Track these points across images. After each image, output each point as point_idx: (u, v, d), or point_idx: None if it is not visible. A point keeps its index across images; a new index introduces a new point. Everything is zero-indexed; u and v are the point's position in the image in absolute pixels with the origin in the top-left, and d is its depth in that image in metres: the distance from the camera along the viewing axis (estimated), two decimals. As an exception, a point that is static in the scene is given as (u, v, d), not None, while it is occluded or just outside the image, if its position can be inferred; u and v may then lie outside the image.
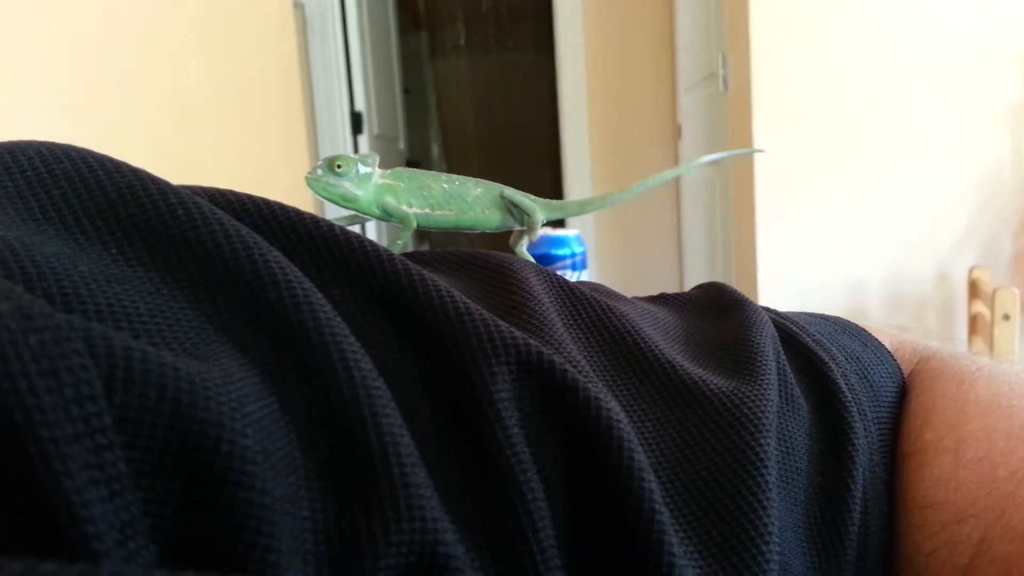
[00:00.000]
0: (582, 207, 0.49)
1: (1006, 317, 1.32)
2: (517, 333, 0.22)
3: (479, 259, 0.31)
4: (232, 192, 0.26)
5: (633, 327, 0.28)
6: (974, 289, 1.54)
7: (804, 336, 0.31)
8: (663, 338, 0.29)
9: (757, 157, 1.70)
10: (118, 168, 0.23)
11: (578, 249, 0.81)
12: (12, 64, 0.97)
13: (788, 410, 0.26)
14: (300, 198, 2.31)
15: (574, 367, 0.23)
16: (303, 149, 2.35)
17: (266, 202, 0.26)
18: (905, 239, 1.73)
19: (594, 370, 0.25)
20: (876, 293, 1.75)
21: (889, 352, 0.33)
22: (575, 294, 0.29)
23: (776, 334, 0.30)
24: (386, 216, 0.45)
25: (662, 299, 0.35)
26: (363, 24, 2.63)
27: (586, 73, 2.68)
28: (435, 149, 4.53)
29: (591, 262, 2.02)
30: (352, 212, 0.45)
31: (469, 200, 0.45)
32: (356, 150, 2.60)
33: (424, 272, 0.24)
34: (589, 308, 0.29)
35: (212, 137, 1.61)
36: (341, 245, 0.24)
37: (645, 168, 2.73)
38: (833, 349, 0.31)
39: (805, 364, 0.29)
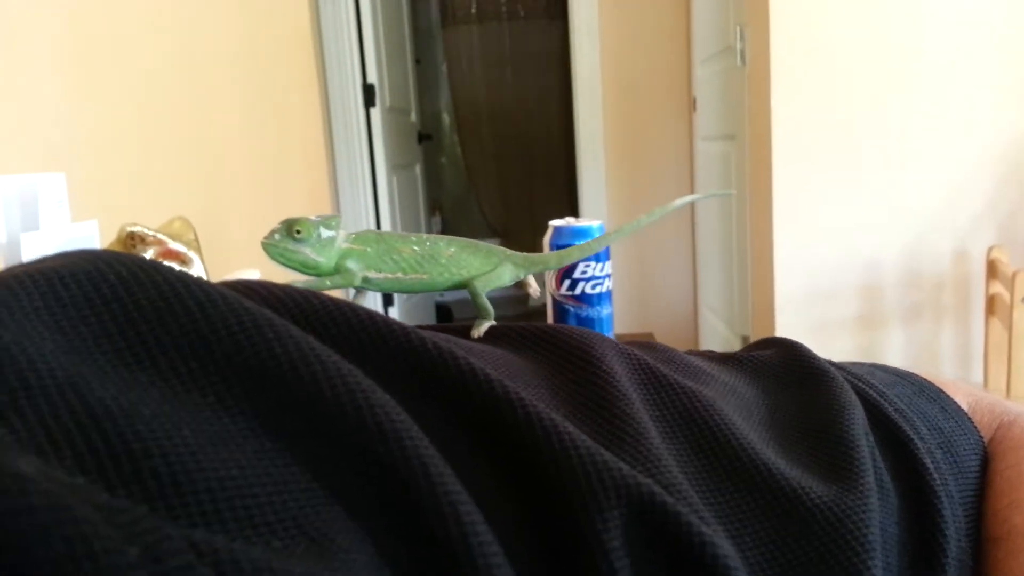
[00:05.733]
0: (560, 259, 0.48)
1: (1026, 300, 1.31)
2: (626, 469, 0.22)
3: (559, 339, 0.30)
4: (313, 298, 0.25)
5: (722, 419, 0.27)
6: (992, 269, 1.53)
7: (887, 406, 0.30)
8: (749, 423, 0.28)
9: (776, 133, 1.69)
10: (208, 295, 0.22)
11: (602, 239, 0.80)
12: (25, 40, 0.97)
13: (881, 502, 0.26)
14: (316, 177, 2.30)
15: (679, 494, 0.23)
16: (318, 124, 2.34)
17: (345, 310, 0.25)
18: (923, 216, 1.71)
19: (690, 480, 0.24)
20: (892, 271, 1.74)
21: (969, 418, 0.32)
22: (659, 379, 0.28)
23: (865, 416, 0.29)
24: (347, 283, 0.42)
25: (735, 362, 0.34)
26: (374, -7, 2.60)
27: (600, 42, 2.64)
28: (446, 120, 4.50)
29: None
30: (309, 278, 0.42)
31: (443, 261, 0.42)
32: (368, 123, 2.58)
33: (521, 392, 0.23)
34: (675, 396, 0.28)
35: (226, 113, 1.60)
36: (433, 359, 0.24)
37: (659, 140, 2.70)
38: (916, 419, 0.30)
39: (890, 439, 0.29)
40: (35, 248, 0.68)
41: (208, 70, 1.53)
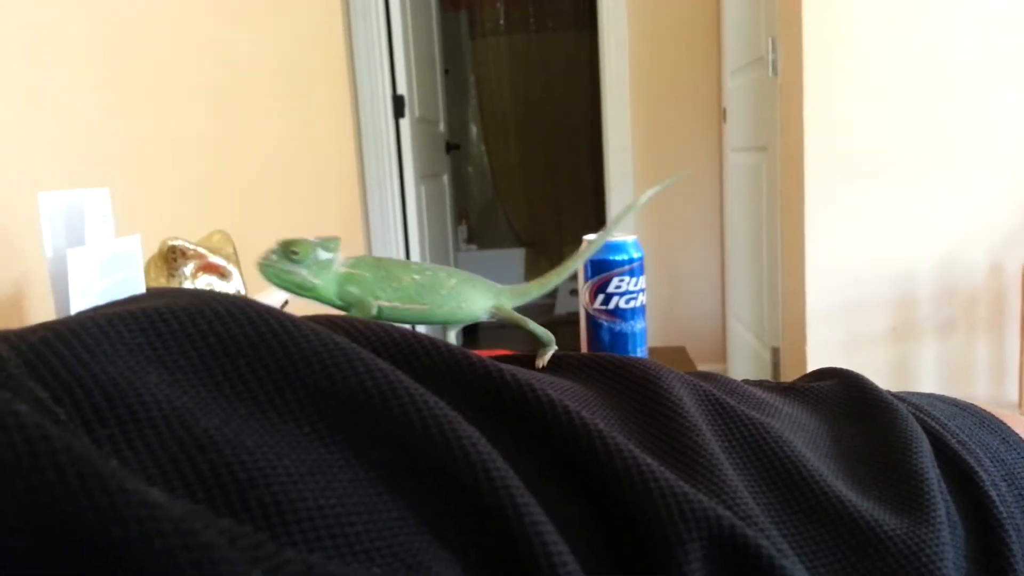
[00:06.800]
0: (541, 287, 0.48)
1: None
2: (706, 501, 0.22)
3: (624, 370, 0.30)
4: (393, 331, 0.25)
5: (792, 451, 0.27)
6: (1030, 283, 1.51)
7: (949, 437, 0.30)
8: (816, 454, 0.28)
9: (809, 145, 1.68)
10: (299, 330, 0.22)
11: (636, 254, 0.80)
12: (59, 47, 0.99)
13: (951, 535, 0.25)
14: (346, 187, 2.32)
15: (756, 526, 0.23)
16: (349, 135, 2.36)
17: (424, 342, 0.25)
18: (957, 229, 1.69)
19: (763, 511, 0.25)
20: (926, 284, 1.72)
21: None
22: (726, 411, 0.29)
23: (931, 450, 0.29)
24: (348, 307, 0.40)
25: (796, 392, 0.34)
26: (405, 4, 2.62)
27: (629, 52, 2.65)
28: (473, 130, 4.52)
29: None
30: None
31: (444, 293, 0.41)
32: (398, 134, 2.60)
33: (599, 424, 0.23)
34: (743, 428, 0.28)
35: (261, 126, 1.62)
36: (512, 390, 0.24)
37: (688, 151, 2.70)
38: (978, 451, 0.30)
39: (954, 471, 0.28)
40: (81, 263, 0.69)
41: (244, 85, 1.55)
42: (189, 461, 0.18)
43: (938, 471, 0.28)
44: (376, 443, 0.21)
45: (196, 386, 0.21)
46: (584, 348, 0.83)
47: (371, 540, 0.19)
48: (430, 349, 0.25)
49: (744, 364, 2.43)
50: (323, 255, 0.39)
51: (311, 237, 0.39)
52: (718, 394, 0.29)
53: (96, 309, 0.23)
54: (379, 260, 0.41)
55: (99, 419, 0.18)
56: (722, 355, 2.76)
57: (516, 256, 4.40)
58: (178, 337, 0.21)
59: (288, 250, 0.39)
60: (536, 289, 0.48)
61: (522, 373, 0.25)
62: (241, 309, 0.23)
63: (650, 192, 0.50)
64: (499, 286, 0.45)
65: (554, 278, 0.48)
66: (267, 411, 0.21)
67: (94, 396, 0.18)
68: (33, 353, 0.19)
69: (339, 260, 0.40)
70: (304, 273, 0.39)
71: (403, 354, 0.25)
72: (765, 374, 2.13)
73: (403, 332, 0.25)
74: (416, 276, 0.41)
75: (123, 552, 0.14)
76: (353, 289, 0.40)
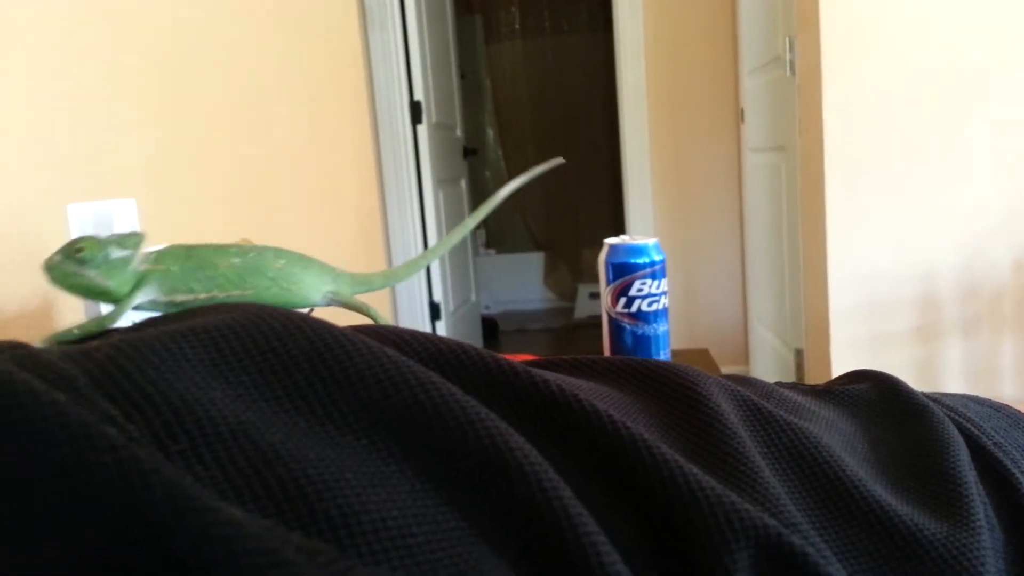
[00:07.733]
0: (386, 279, 0.46)
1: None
2: (752, 510, 0.22)
3: (663, 377, 0.30)
4: (439, 341, 0.26)
5: (831, 456, 0.27)
6: (1057, 280, 1.49)
7: (985, 440, 0.30)
8: (854, 458, 0.28)
9: (828, 144, 1.67)
10: (353, 344, 0.23)
11: (657, 257, 0.80)
12: (86, 55, 1.01)
13: (990, 539, 0.26)
14: (366, 194, 2.33)
15: (800, 533, 0.23)
16: (367, 142, 2.38)
17: (471, 353, 0.25)
18: (980, 226, 1.67)
19: (804, 517, 0.25)
20: (949, 282, 1.70)
21: None
22: (764, 416, 0.29)
23: (969, 453, 0.29)
24: (161, 308, 0.37)
25: (831, 396, 0.33)
26: (421, 10, 2.64)
27: (645, 53, 2.64)
28: (490, 134, 4.53)
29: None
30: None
31: (271, 275, 0.39)
32: (415, 140, 2.62)
33: (644, 434, 0.24)
34: (782, 433, 0.28)
35: (283, 135, 1.64)
36: (557, 401, 0.24)
37: (706, 152, 2.69)
38: (1015, 453, 0.30)
39: (990, 474, 0.28)
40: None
41: (263, 95, 1.56)
42: (258, 475, 0.18)
43: (975, 474, 0.28)
44: (430, 455, 0.21)
45: (258, 401, 0.21)
46: (607, 352, 0.83)
47: (432, 551, 0.19)
48: (477, 360, 0.25)
49: (767, 366, 2.42)
50: (116, 253, 0.35)
51: (105, 235, 0.36)
52: (755, 399, 0.29)
53: (151, 324, 0.23)
54: (190, 249, 0.38)
55: (170, 435, 0.19)
56: (744, 357, 2.74)
57: (535, 260, 4.40)
58: (238, 353, 0.22)
59: (72, 249, 0.34)
60: (379, 279, 0.47)
61: (566, 383, 0.26)
62: (296, 324, 0.23)
63: (514, 182, 0.49)
64: (339, 271, 0.43)
65: (402, 272, 0.48)
66: (325, 425, 0.21)
67: (163, 413, 0.19)
68: (100, 371, 0.20)
69: (139, 258, 0.37)
70: (93, 275, 0.35)
71: (452, 366, 0.25)
72: (789, 375, 2.11)
73: (450, 343, 0.26)
74: (236, 260, 0.38)
75: (210, 570, 0.15)
76: (151, 289, 0.37)
